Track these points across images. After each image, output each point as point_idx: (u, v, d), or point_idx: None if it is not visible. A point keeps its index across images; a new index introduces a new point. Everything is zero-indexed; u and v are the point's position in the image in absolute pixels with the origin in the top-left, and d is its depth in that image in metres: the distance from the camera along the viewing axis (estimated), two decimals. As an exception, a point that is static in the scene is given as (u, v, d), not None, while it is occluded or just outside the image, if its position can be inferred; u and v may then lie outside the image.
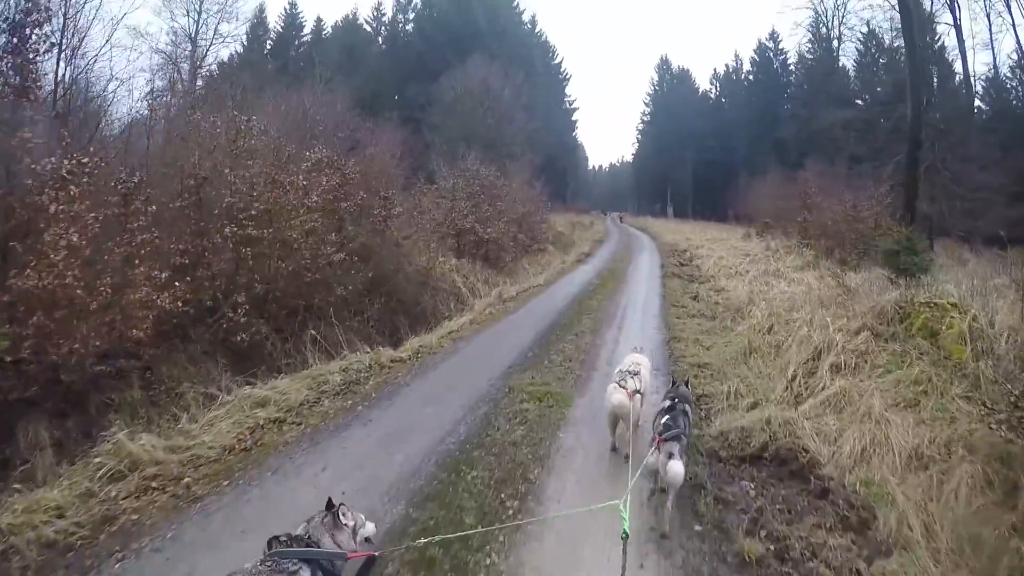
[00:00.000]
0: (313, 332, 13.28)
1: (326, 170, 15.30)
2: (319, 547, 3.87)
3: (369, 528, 4.43)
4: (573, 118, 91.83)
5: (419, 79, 55.21)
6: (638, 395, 7.42)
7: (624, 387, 7.28)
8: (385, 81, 59.38)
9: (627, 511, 4.62)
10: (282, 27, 66.69)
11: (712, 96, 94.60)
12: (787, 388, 10.18)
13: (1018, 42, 45.70)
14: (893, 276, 16.55)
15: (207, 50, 46.23)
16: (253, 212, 12.25)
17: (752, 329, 13.58)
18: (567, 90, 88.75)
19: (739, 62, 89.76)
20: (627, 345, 12.33)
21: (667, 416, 6.44)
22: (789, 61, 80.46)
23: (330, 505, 4.20)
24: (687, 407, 6.83)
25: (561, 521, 5.93)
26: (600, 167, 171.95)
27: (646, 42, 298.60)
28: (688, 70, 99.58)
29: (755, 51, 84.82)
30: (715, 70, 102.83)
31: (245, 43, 58.03)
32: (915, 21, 35.71)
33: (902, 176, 32.72)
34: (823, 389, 9.72)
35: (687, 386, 7.72)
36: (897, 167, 35.64)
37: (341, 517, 4.15)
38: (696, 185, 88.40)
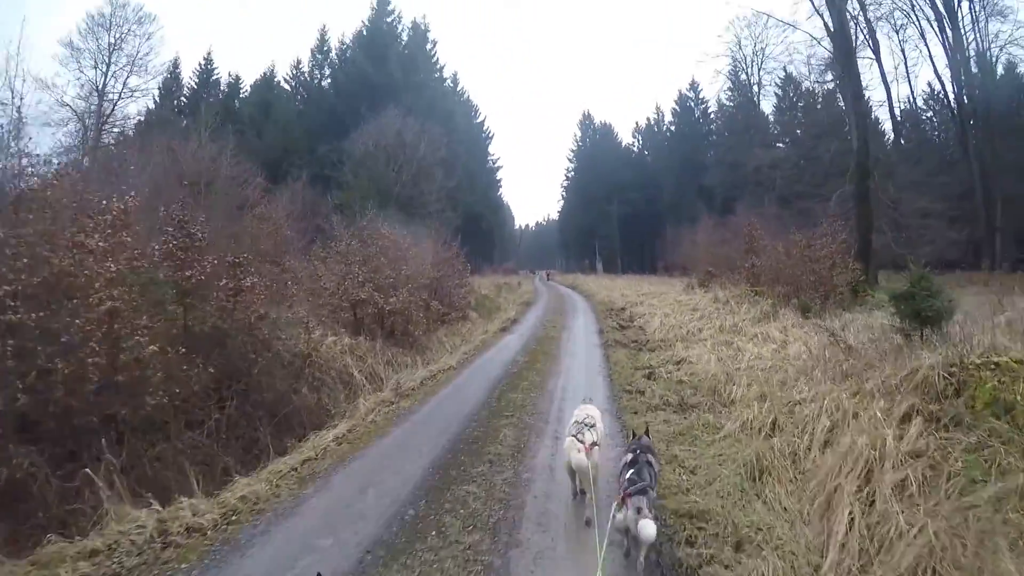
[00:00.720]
0: (111, 459, 8.38)
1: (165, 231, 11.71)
2: None
3: None
4: (497, 177, 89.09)
5: (332, 135, 50.54)
6: (596, 447, 7.11)
7: (582, 441, 6.96)
8: (296, 139, 55.07)
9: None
10: (196, 83, 62.69)
11: (635, 149, 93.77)
12: (843, 549, 5.81)
13: (935, 72, 43.63)
14: (905, 325, 12.43)
15: (115, 105, 45.17)
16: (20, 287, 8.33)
17: (749, 429, 9.24)
18: (491, 148, 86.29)
19: (660, 114, 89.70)
20: (565, 474, 7.69)
21: (631, 470, 6.18)
22: (710, 110, 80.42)
23: None
24: (650, 457, 6.55)
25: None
26: (527, 226, 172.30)
27: (569, 102, 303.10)
28: (610, 124, 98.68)
29: (676, 101, 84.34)
30: (637, 123, 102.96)
31: (157, 99, 54.77)
32: (853, 53, 33.00)
33: (845, 210, 31.10)
34: (903, 541, 5.43)
35: (647, 435, 7.38)
36: (840, 200, 32.83)
37: None
38: (623, 238, 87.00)
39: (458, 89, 79.97)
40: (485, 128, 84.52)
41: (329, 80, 63.25)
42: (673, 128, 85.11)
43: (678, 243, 54.96)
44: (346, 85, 59.00)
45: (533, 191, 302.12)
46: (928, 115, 57.38)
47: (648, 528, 5.33)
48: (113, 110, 45.49)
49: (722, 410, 10.84)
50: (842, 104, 51.24)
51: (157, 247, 11.79)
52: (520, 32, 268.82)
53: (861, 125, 31.63)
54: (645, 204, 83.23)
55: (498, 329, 26.03)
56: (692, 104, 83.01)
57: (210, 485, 8.87)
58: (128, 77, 46.17)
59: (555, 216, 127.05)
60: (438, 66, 68.20)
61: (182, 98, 60.93)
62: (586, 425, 7.27)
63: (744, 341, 16.81)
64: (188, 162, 28.11)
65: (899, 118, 52.39)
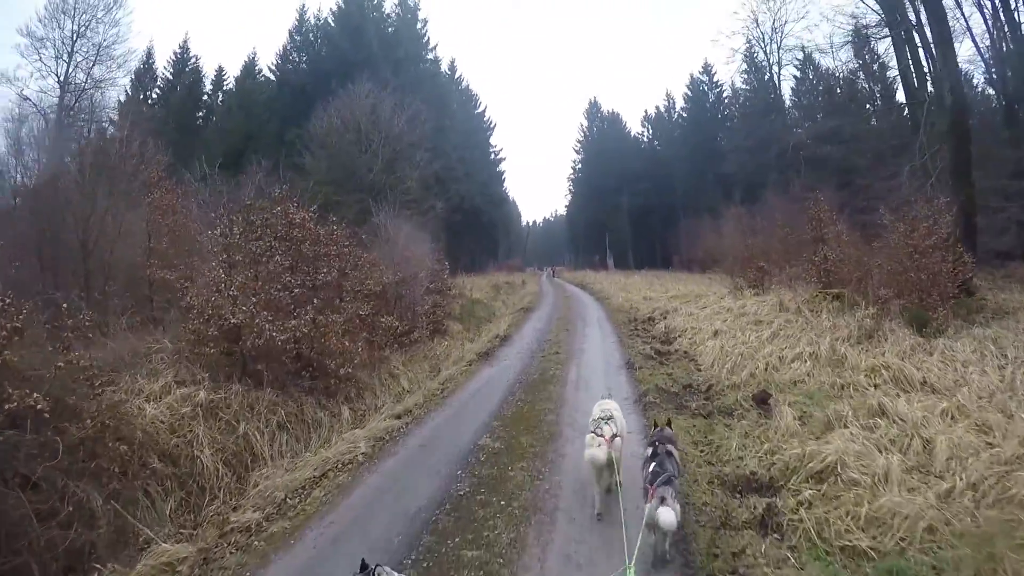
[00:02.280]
0: None
1: None
2: None
3: None
4: (500, 169, 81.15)
5: (304, 118, 42.05)
6: (617, 439, 6.94)
7: (602, 435, 6.77)
8: (262, 124, 47.65)
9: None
10: (171, 74, 54.96)
11: (645, 139, 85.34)
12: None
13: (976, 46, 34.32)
14: None
15: (77, 97, 39.01)
16: None
17: None
18: (492, 140, 78.52)
19: (671, 100, 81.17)
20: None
21: (653, 463, 6.06)
22: (725, 93, 72.10)
23: (365, 567, 4.03)
24: (671, 447, 6.40)
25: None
26: (535, 222, 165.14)
27: (577, 94, 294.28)
28: (618, 113, 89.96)
29: (687, 86, 75.84)
30: (646, 111, 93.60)
31: (129, 91, 47.38)
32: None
33: (916, 188, 22.91)
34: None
35: (670, 426, 7.11)
36: (913, 175, 24.70)
37: None
38: (635, 232, 78.94)
39: (456, 76, 72.55)
40: (486, 119, 76.87)
41: (305, 61, 54.76)
42: (685, 114, 76.86)
43: (696, 236, 49.46)
44: (320, 63, 50.86)
45: (541, 186, 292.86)
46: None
47: (666, 515, 5.21)
48: (76, 102, 38.94)
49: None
50: (864, 84, 47.56)
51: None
52: (525, 23, 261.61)
53: (954, 77, 23.32)
54: (657, 195, 75.61)
55: (477, 355, 17.74)
56: (706, 88, 74.66)
57: None
58: (92, 67, 39.52)
59: (563, 211, 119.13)
60: (429, 46, 59.57)
61: (156, 90, 54.14)
62: (604, 419, 7.12)
63: (896, 397, 9.47)
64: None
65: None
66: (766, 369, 12.33)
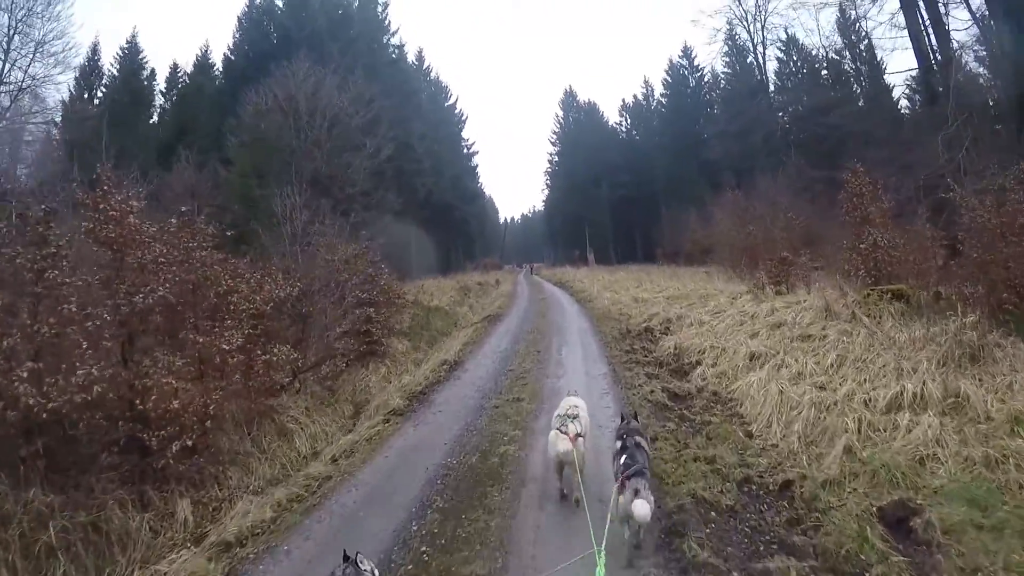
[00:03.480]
0: None
1: None
2: None
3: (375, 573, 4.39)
4: (473, 163, 76.51)
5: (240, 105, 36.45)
6: (580, 438, 6.75)
7: (566, 432, 6.67)
8: (195, 116, 42.34)
9: (602, 563, 4.31)
10: (118, 71, 48.55)
11: (623, 129, 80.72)
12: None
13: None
14: None
15: (14, 96, 34.35)
16: None
17: None
18: (464, 133, 73.60)
19: (649, 88, 76.95)
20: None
21: (624, 455, 5.88)
22: (706, 78, 68.36)
23: (346, 556, 4.24)
24: (640, 440, 6.21)
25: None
26: (512, 219, 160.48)
27: (553, 88, 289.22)
28: (595, 103, 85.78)
29: (667, 71, 71.96)
30: (623, 101, 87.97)
31: (73, 89, 43.63)
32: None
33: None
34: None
35: (636, 419, 7.05)
36: (947, 143, 20.78)
37: (360, 564, 4.21)
38: (615, 225, 74.41)
39: (424, 67, 67.25)
40: (457, 111, 71.85)
41: (248, 46, 48.41)
42: (665, 100, 72.43)
43: (681, 227, 48.18)
44: (262, 46, 45.05)
45: (519, 183, 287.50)
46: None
47: (642, 508, 5.10)
48: (13, 102, 34.61)
49: None
50: (849, 66, 46.02)
51: None
52: (499, 15, 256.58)
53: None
54: (638, 187, 71.07)
55: (406, 398, 12.36)
56: (686, 72, 70.44)
57: None
58: (30, 65, 34.54)
59: (542, 207, 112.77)
60: (390, 30, 53.70)
61: (102, 88, 48.08)
62: (569, 417, 6.96)
63: None
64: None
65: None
66: (860, 431, 7.28)
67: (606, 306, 23.53)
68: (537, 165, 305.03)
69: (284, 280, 12.76)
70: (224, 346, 9.33)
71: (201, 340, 9.09)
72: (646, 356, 13.85)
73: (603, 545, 4.47)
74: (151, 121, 47.75)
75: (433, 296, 28.60)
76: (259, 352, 10.72)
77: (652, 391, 10.59)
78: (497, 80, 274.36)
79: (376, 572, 4.33)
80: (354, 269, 16.52)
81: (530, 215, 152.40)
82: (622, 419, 6.98)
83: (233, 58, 47.66)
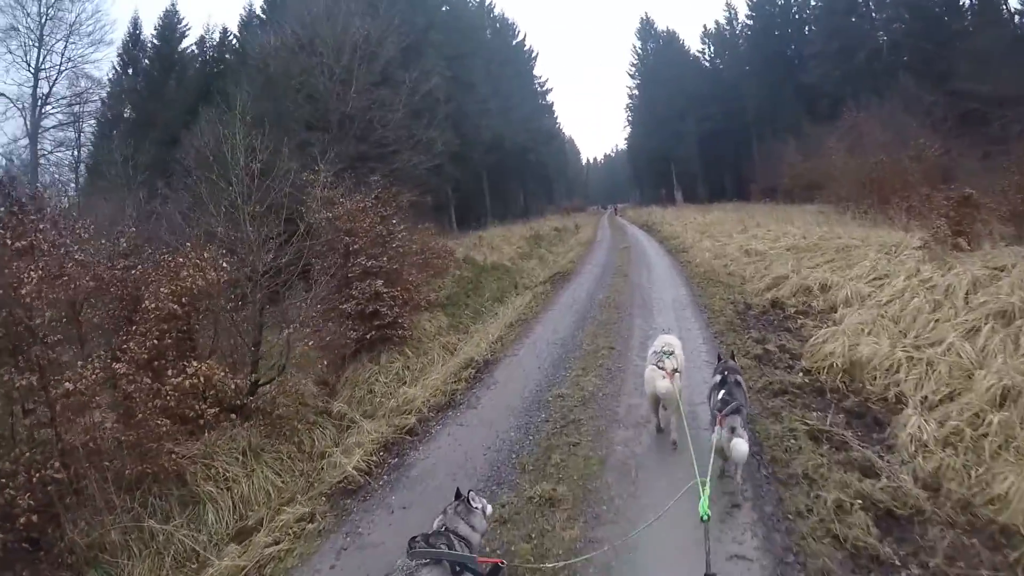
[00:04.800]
0: None
1: None
2: (457, 534, 3.97)
3: (488, 509, 4.43)
4: (547, 101, 70.09)
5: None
6: (677, 374, 6.58)
7: (663, 368, 6.47)
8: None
9: (706, 495, 4.08)
10: (157, 42, 43.26)
11: (706, 58, 72.01)
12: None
13: None
14: None
15: (53, 82, 33.94)
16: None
17: None
18: (536, 71, 67.38)
19: (732, 10, 67.92)
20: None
21: (722, 391, 5.65)
22: None
23: (459, 494, 4.34)
24: (738, 378, 6.03)
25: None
26: (595, 160, 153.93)
27: (630, 22, 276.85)
28: (675, 31, 76.42)
29: None
30: (704, 27, 79.75)
31: (117, 66, 40.52)
32: None
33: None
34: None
35: (734, 359, 6.92)
36: None
37: (472, 502, 4.25)
38: (704, 161, 66.90)
39: (488, 3, 60.48)
40: (527, 48, 65.12)
41: None
42: (751, 23, 63.95)
43: (777, 160, 42.94)
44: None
45: (601, 123, 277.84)
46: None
47: (740, 446, 5.02)
48: (52, 89, 33.99)
49: None
50: None
51: None
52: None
53: None
54: (726, 119, 63.15)
55: (348, 482, 6.78)
56: (776, -14, 62.05)
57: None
58: (66, 48, 34.13)
59: (624, 146, 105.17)
60: None
61: (144, 61, 43.46)
62: (665, 353, 6.75)
63: None
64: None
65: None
66: None
67: (707, 260, 17.86)
68: (618, 104, 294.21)
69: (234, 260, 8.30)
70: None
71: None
72: (790, 370, 8.25)
73: (708, 476, 4.36)
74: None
75: (493, 250, 23.62)
76: (168, 372, 6.39)
77: (840, 505, 4.85)
78: (574, 18, 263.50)
79: (488, 509, 4.35)
80: (360, 228, 11.89)
81: (613, 155, 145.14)
82: (719, 359, 6.72)
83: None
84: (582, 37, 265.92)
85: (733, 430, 5.04)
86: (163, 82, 39.49)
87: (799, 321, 10.36)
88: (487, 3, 60.10)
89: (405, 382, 10.39)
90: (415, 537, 3.75)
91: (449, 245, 20.87)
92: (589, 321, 12.44)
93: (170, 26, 43.35)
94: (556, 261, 23.99)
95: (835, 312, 10.11)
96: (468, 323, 14.41)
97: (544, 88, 68.54)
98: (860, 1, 49.95)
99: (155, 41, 43.45)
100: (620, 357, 9.67)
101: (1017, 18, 38.94)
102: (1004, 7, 39.08)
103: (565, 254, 26.40)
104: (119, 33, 42.81)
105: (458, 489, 4.33)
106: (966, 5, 41.98)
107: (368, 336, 11.42)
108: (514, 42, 63.41)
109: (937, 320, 8.03)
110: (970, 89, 31.96)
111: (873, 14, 48.82)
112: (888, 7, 47.74)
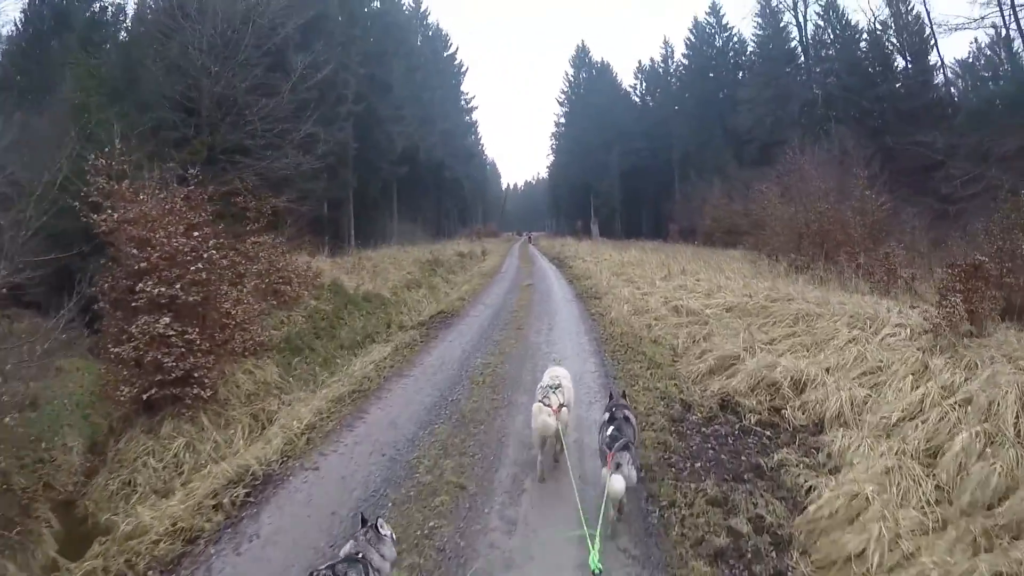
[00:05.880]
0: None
1: None
2: (370, 564, 3.74)
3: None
4: (472, 118, 67.26)
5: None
6: (564, 409, 6.23)
7: (548, 404, 6.05)
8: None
9: (596, 548, 4.06)
10: None
11: (638, 94, 71.02)
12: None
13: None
14: None
15: None
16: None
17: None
18: (464, 87, 64.51)
19: (668, 49, 67.02)
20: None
21: (611, 427, 5.49)
22: (734, 39, 59.88)
23: (364, 520, 4.11)
24: (627, 413, 5.85)
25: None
26: (515, 186, 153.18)
27: (563, 56, 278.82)
28: (608, 63, 75.24)
29: (691, 30, 61.83)
30: (639, 63, 77.83)
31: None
32: None
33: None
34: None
35: (624, 397, 6.70)
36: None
37: (380, 529, 4.02)
38: (625, 195, 64.78)
39: (422, 10, 57.37)
40: (457, 62, 62.21)
41: None
42: (687, 61, 62.45)
43: (698, 201, 42.89)
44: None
45: (523, 150, 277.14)
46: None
47: (616, 483, 4.80)
48: None
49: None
50: (893, 40, 41.69)
51: None
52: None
53: None
54: (650, 155, 62.14)
55: None
56: (713, 31, 60.48)
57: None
58: None
59: (546, 175, 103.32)
60: None
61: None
62: (552, 388, 6.33)
63: None
64: None
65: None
66: None
67: (625, 316, 13.59)
68: (543, 133, 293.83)
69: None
70: None
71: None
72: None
73: (598, 528, 4.31)
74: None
75: (376, 275, 19.19)
76: None
77: None
78: (506, 45, 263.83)
79: (394, 538, 4.14)
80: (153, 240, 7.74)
81: (534, 183, 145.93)
82: (610, 397, 6.56)
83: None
84: (513, 62, 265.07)
85: (618, 466, 4.85)
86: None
87: (769, 446, 6.51)
88: (422, 9, 56.78)
89: (183, 471, 6.95)
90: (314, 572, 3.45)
91: (319, 266, 16.67)
92: (448, 410, 8.31)
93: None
94: (448, 294, 19.71)
95: (822, 432, 6.42)
96: (308, 377, 10.23)
97: (470, 105, 65.60)
98: (798, 52, 49.41)
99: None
100: (471, 516, 5.55)
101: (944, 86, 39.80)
102: (940, 72, 39.54)
103: (460, 286, 22.02)
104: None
105: (362, 515, 4.13)
106: (900, 67, 42.01)
107: (149, 395, 7.54)
108: (445, 54, 60.57)
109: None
110: (914, 144, 32.56)
111: (814, 68, 48.09)
112: (824, 61, 47.39)
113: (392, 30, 41.17)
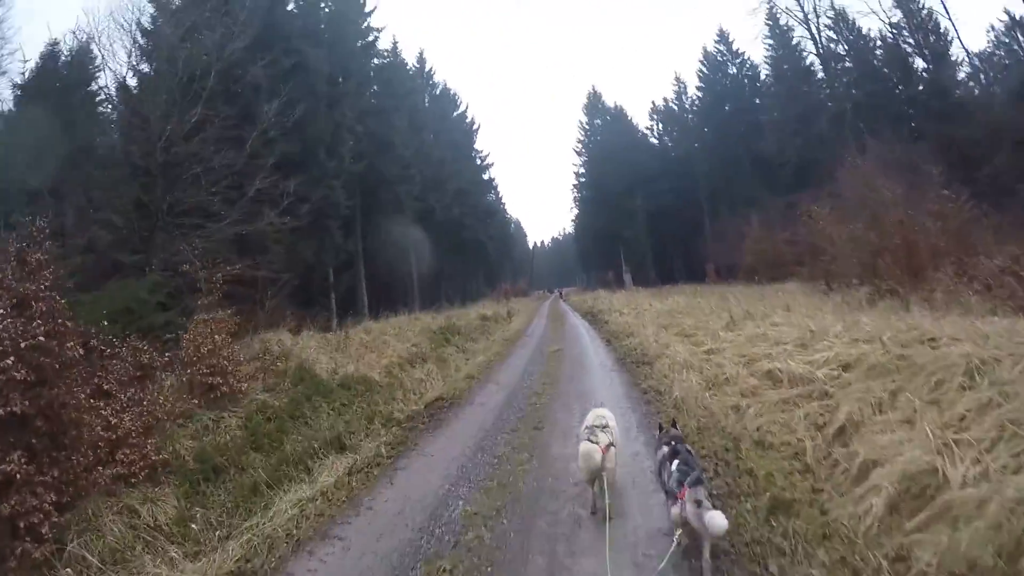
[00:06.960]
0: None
1: None
2: None
3: None
4: (489, 176, 64.79)
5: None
6: (612, 448, 5.72)
7: (596, 442, 5.61)
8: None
9: None
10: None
11: (655, 134, 68.67)
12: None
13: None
14: None
15: None
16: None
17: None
18: (478, 145, 61.77)
19: (681, 85, 64.51)
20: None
21: (676, 460, 4.85)
22: (747, 64, 57.65)
23: None
24: (687, 447, 5.27)
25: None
26: (542, 243, 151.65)
27: (579, 106, 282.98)
28: (622, 107, 72.46)
29: (702, 61, 59.36)
30: (653, 104, 75.56)
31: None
32: None
33: None
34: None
35: (675, 427, 6.08)
36: None
37: None
38: (653, 240, 62.24)
39: (427, 69, 54.98)
40: (468, 120, 59.73)
41: None
42: (701, 95, 59.71)
43: (734, 236, 39.18)
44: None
45: (548, 207, 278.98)
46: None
47: (717, 519, 4.05)
48: None
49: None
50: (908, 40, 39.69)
51: None
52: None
53: None
54: (675, 196, 59.19)
55: None
56: (725, 59, 57.77)
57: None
58: None
59: (571, 228, 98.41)
60: (364, 10, 38.04)
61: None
62: (598, 427, 5.92)
63: None
64: None
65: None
66: None
67: (695, 392, 9.06)
68: (565, 185, 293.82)
69: None
70: None
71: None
72: None
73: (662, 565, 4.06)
74: None
75: (369, 350, 15.29)
76: None
77: None
78: (522, 103, 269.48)
79: None
80: None
81: (560, 238, 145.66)
82: (660, 428, 6.22)
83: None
84: (530, 123, 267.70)
85: (699, 503, 4.20)
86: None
87: None
88: (427, 69, 54.75)
89: None
90: None
91: (287, 345, 13.14)
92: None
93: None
94: (459, 369, 15.59)
95: None
96: (220, 519, 6.31)
97: (485, 163, 63.04)
98: (815, 67, 46.63)
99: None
100: None
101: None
102: (964, 65, 37.99)
103: (476, 356, 17.99)
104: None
105: None
106: (920, 67, 39.66)
107: None
108: (455, 112, 58.19)
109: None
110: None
111: (835, 81, 44.60)
112: (844, 73, 44.14)
113: (391, 82, 38.32)
